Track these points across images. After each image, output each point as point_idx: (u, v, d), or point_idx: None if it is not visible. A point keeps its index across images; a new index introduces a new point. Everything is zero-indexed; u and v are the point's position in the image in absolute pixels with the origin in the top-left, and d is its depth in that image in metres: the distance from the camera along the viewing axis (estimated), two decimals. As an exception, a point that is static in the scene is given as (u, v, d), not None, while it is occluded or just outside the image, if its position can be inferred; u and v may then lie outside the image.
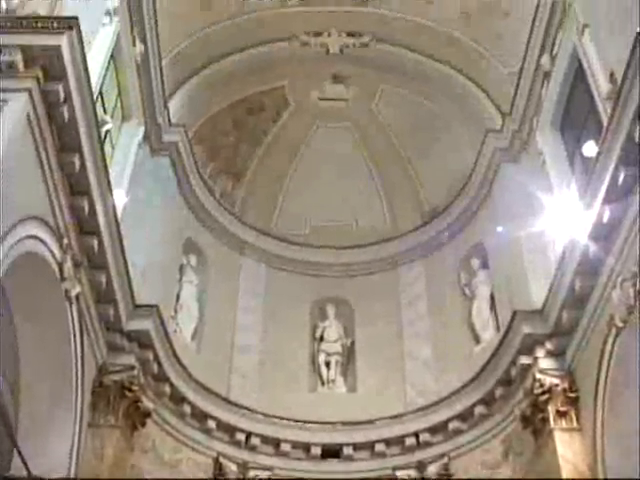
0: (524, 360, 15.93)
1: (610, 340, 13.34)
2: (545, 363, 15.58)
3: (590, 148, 14.62)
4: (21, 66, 11.29)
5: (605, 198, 12.78)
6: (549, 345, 15.54)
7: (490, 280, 19.32)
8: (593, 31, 14.59)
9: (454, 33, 20.32)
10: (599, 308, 13.88)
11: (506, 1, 18.63)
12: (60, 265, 12.85)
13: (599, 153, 12.94)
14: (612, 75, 13.34)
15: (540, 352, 15.64)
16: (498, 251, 19.00)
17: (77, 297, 13.61)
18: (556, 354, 15.51)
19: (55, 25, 11.71)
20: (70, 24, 11.79)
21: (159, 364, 16.63)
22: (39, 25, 11.65)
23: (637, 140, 11.70)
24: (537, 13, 16.78)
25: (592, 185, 13.20)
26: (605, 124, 12.90)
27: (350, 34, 21.47)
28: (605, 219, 12.92)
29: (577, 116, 16.28)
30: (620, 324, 12.89)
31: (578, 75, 15.80)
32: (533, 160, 18.12)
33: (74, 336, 13.71)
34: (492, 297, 19.12)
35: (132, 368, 15.77)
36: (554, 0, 16.15)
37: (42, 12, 12.29)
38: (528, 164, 18.56)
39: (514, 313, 16.22)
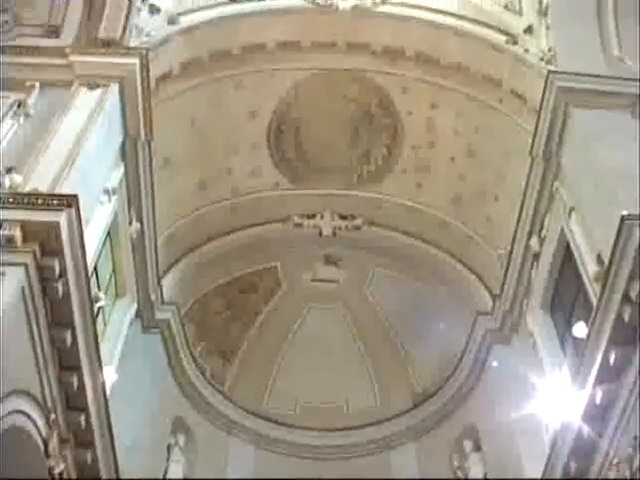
0: None
1: (608, 523, 12.97)
2: None
3: (580, 329, 14.64)
4: (19, 241, 11.44)
5: (597, 379, 12.70)
6: (545, 529, 15.09)
7: (483, 462, 19.01)
8: (579, 214, 15.00)
9: (445, 217, 20.91)
10: (595, 490, 13.56)
11: (495, 186, 19.27)
12: (45, 442, 12.56)
13: (589, 334, 12.97)
14: (599, 257, 13.58)
15: (536, 537, 15.19)
16: (491, 433, 18.81)
17: (61, 474, 13.21)
18: (553, 538, 15.04)
19: (55, 202, 11.96)
20: (69, 202, 12.03)
21: None
22: (39, 202, 11.90)
23: (627, 320, 11.79)
24: (525, 197, 17.22)
25: (584, 366, 13.15)
26: (594, 305, 12.99)
27: (343, 217, 22.03)
28: (598, 400, 12.79)
29: (566, 297, 16.42)
30: (618, 506, 12.57)
31: (566, 256, 16.06)
32: (524, 341, 18.16)
33: (55, 515, 13.27)
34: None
35: None
36: (541, 184, 16.65)
37: (43, 189, 12.53)
38: (519, 345, 18.61)
39: (508, 497, 15.88)
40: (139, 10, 17.01)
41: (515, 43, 17.63)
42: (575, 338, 15.45)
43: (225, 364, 22.59)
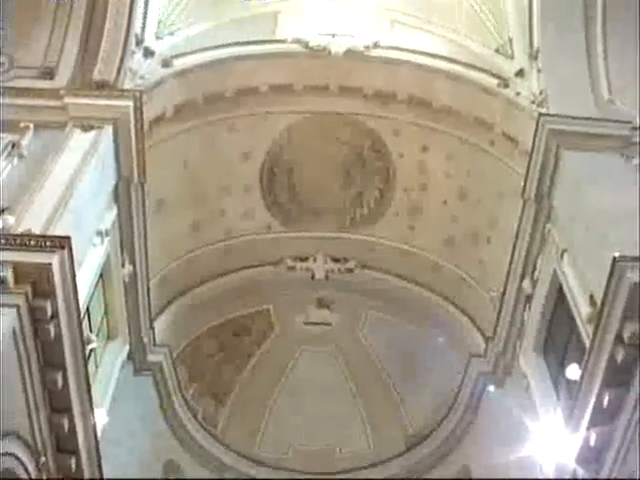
0: None
1: None
2: None
3: (573, 371, 14.58)
4: (11, 282, 11.38)
5: (591, 421, 12.62)
6: None
7: (477, 506, 18.89)
8: (571, 256, 15.03)
9: (437, 259, 20.93)
10: (592, 532, 13.41)
11: (487, 228, 19.34)
12: (35, 485, 12.46)
13: (583, 376, 12.91)
14: (592, 298, 13.58)
15: None
16: (484, 476, 18.65)
17: (51, 519, 13.10)
18: None
19: (47, 244, 11.92)
20: (62, 243, 12.00)
21: None
22: (32, 243, 11.87)
23: (620, 361, 11.77)
24: (517, 239, 17.23)
25: (577, 408, 13.07)
26: (587, 347, 12.97)
27: (335, 260, 22.03)
28: (592, 442, 12.70)
29: (559, 339, 16.37)
30: None
31: (559, 298, 16.05)
32: (517, 384, 18.06)
33: None
34: (480, 524, 18.62)
35: None
36: (533, 227, 16.69)
37: (36, 230, 12.52)
38: (512, 388, 18.50)
39: (503, 540, 15.74)
40: (133, 53, 17.11)
41: (506, 86, 17.79)
42: (568, 380, 15.36)
43: (217, 407, 22.45)
